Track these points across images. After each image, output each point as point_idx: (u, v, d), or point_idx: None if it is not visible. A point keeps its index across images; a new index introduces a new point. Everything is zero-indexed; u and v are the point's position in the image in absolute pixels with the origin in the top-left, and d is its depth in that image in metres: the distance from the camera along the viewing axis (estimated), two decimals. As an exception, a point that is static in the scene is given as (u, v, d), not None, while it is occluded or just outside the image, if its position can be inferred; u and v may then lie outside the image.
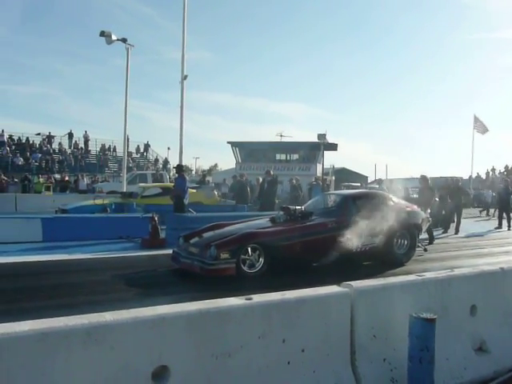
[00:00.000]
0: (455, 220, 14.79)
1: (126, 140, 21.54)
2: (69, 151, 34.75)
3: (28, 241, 10.17)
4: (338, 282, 3.43)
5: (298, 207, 8.40)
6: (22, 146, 32.51)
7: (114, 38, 18.12)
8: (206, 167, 71.34)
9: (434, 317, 3.13)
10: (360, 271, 7.43)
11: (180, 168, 12.71)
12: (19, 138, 33.42)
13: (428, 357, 3.12)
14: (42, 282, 6.71)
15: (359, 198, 8.78)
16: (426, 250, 9.55)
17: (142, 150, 39.77)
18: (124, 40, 18.75)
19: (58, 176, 28.55)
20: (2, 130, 32.56)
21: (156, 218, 10.52)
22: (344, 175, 40.40)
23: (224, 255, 6.74)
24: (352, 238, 7.48)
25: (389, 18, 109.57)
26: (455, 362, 3.62)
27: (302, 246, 7.43)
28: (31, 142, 33.66)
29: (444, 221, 15.14)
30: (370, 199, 8.56)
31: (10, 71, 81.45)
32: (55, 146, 34.78)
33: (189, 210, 11.50)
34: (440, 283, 3.77)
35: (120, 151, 34.41)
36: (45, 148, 33.46)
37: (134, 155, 38.34)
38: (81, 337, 2.29)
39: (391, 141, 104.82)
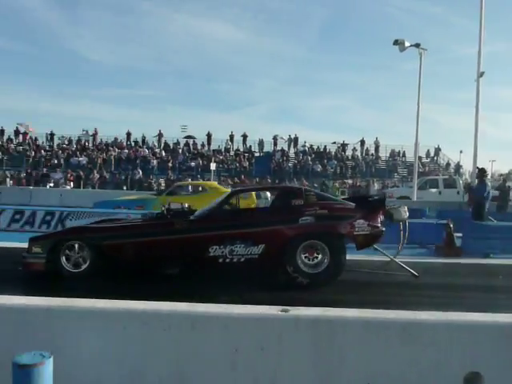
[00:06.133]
0: None
1: (417, 145, 21.48)
2: (360, 158, 36.64)
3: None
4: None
5: (184, 205, 7.10)
6: (320, 155, 35.94)
7: (407, 44, 18.41)
8: (505, 171, 64.15)
9: None
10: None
11: (482, 172, 11.84)
12: (318, 146, 37.06)
13: None
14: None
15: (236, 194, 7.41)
16: (416, 275, 6.74)
17: (432, 155, 38.69)
18: (417, 45, 18.84)
19: (350, 181, 30.60)
20: (305, 142, 36.86)
21: (451, 226, 10.19)
22: None
23: (36, 249, 6.35)
24: (208, 244, 6.17)
25: None
26: None
27: (133, 248, 6.43)
28: (328, 150, 36.91)
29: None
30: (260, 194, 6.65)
31: (307, 87, 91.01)
32: (348, 153, 37.23)
33: (489, 219, 10.73)
34: None
35: (409, 156, 34.40)
36: (339, 155, 36.25)
37: (424, 160, 37.61)
38: (397, 330, 2.57)
39: None
